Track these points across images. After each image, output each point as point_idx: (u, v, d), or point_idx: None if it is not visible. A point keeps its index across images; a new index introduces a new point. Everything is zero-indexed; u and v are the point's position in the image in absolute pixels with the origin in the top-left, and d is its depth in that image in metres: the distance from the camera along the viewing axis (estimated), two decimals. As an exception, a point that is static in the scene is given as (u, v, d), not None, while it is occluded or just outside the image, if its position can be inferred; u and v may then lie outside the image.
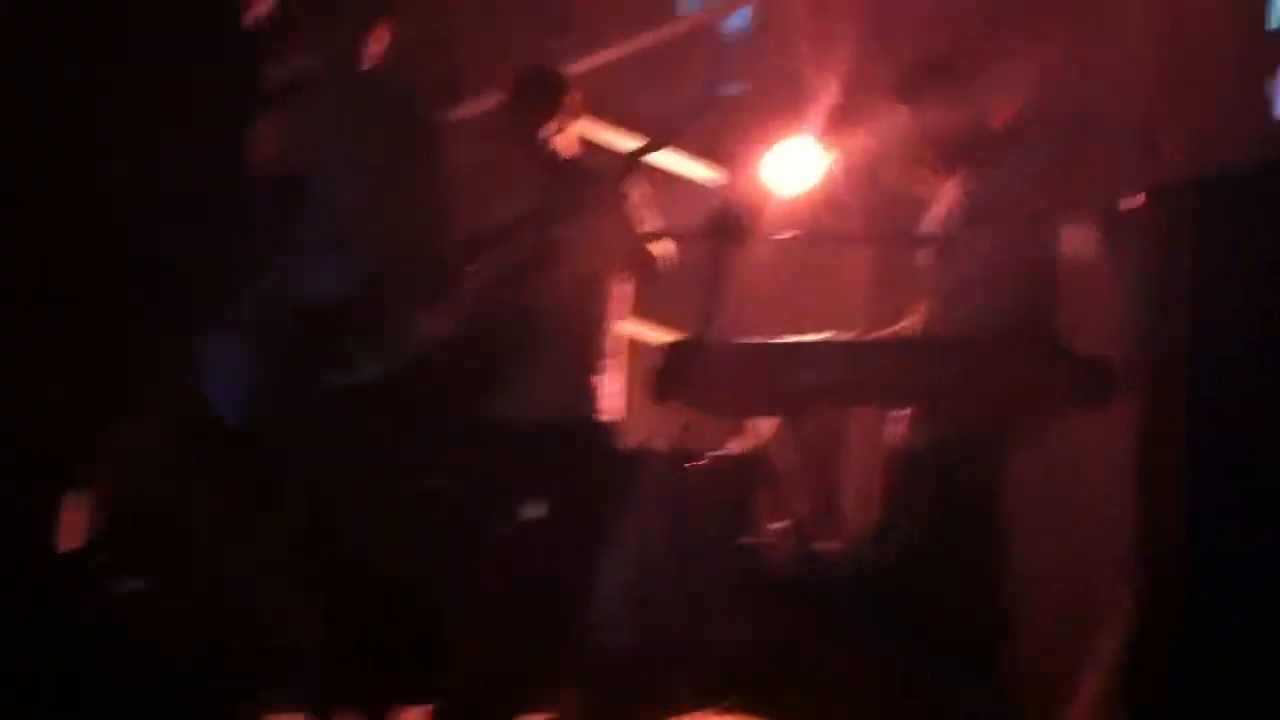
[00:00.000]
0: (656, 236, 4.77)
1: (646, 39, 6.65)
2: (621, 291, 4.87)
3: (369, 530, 4.39)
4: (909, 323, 4.47)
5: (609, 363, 4.82)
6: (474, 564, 4.89)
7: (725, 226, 4.15)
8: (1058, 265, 4.27)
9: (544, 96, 4.85)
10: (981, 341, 4.07)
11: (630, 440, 5.20)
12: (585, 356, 4.78)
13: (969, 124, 4.33)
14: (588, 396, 4.77)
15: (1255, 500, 3.18)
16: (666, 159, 6.02)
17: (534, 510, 4.74)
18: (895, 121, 4.45)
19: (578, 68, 6.56)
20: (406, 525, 5.04)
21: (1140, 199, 3.47)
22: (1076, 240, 4.58)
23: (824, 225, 5.42)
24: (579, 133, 5.01)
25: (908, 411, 4.31)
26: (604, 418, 4.80)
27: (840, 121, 5.94)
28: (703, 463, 5.26)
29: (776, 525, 4.83)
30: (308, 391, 4.33)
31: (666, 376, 4.18)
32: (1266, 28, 4.99)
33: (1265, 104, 4.75)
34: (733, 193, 6.06)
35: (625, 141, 5.68)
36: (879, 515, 4.55)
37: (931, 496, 4.16)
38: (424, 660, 4.66)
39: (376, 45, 4.52)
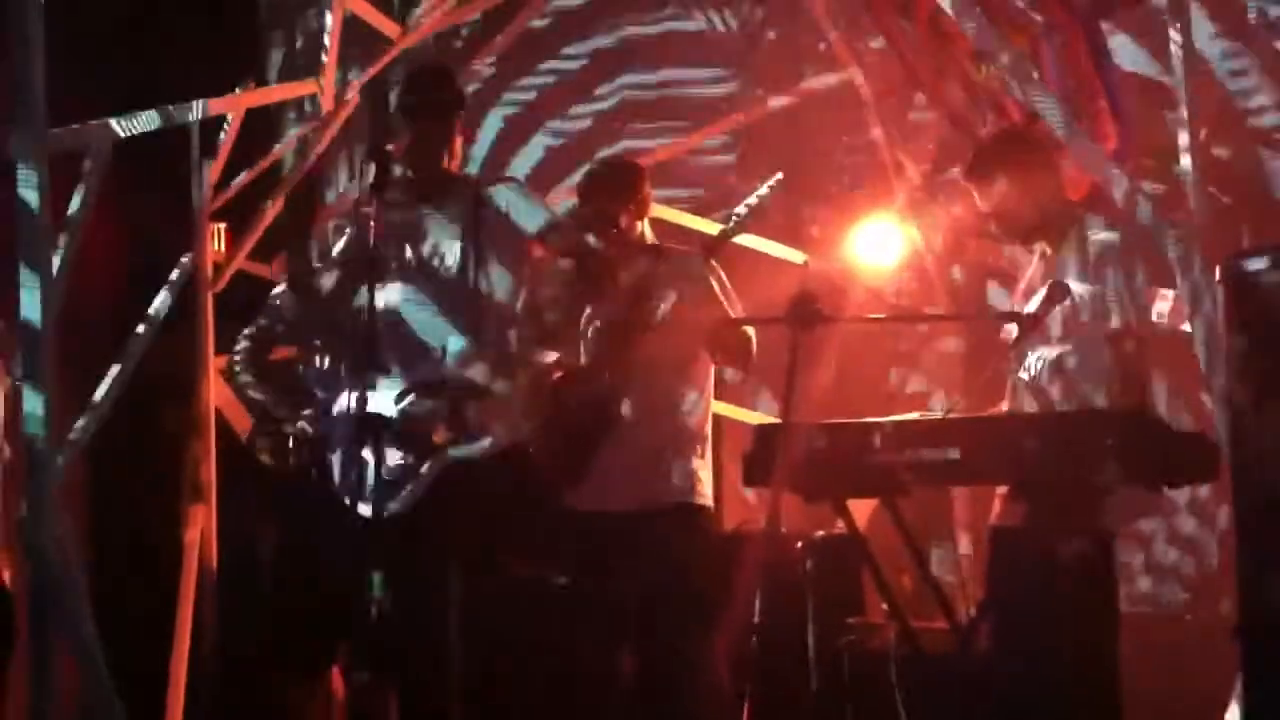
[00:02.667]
0: (742, 320, 4.74)
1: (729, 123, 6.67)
2: (711, 374, 4.85)
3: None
4: (1002, 400, 4.40)
5: (700, 446, 4.79)
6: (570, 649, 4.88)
7: (807, 308, 4.09)
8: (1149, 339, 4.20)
9: (619, 185, 4.86)
10: (1078, 416, 3.99)
11: (725, 524, 5.16)
12: (675, 440, 4.74)
13: (1043, 198, 4.27)
14: (679, 481, 4.73)
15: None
16: (749, 240, 6.00)
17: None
18: (973, 199, 4.40)
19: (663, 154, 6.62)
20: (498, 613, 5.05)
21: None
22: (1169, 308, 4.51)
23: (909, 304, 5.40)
24: (656, 218, 5.01)
25: (1006, 489, 4.24)
26: (697, 501, 4.76)
27: (923, 200, 5.93)
28: (799, 545, 5.22)
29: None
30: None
31: (758, 459, 4.13)
32: None
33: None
34: (815, 273, 6.05)
35: (706, 225, 5.67)
36: (982, 594, 4.47)
37: (1034, 574, 4.07)
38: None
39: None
